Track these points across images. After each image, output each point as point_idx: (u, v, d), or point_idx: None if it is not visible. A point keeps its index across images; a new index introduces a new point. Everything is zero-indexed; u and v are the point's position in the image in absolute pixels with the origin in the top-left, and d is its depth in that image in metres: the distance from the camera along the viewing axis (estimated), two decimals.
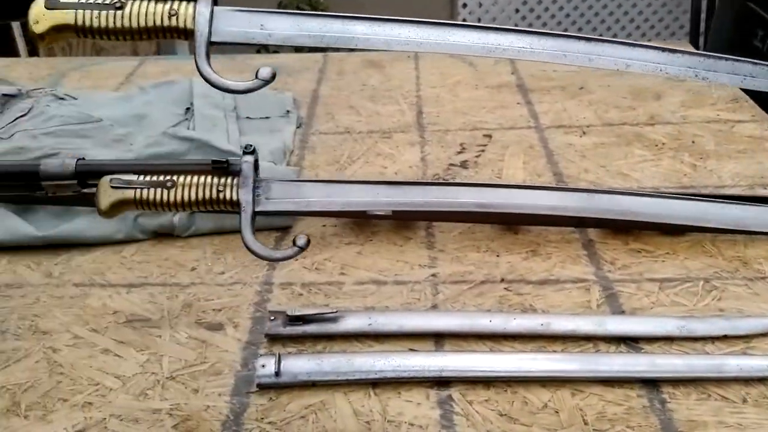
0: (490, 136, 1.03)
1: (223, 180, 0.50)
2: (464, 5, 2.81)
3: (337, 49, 1.52)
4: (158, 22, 0.47)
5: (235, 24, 0.48)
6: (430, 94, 1.18)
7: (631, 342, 0.65)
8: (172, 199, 0.50)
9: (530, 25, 2.86)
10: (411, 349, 0.65)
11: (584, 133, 1.03)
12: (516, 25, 2.85)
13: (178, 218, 0.82)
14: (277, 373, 0.61)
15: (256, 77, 0.46)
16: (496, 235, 0.80)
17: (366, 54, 1.31)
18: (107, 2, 0.47)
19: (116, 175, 0.50)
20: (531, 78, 1.22)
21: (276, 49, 2.69)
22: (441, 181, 0.47)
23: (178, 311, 0.71)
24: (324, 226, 0.82)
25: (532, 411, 0.58)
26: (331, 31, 0.47)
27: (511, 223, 0.72)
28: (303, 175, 0.95)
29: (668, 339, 0.65)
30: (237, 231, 0.82)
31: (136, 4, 0.48)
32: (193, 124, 1.03)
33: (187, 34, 0.48)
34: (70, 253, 0.81)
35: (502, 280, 0.74)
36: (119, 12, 0.47)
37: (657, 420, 0.57)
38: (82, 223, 0.83)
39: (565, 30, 2.87)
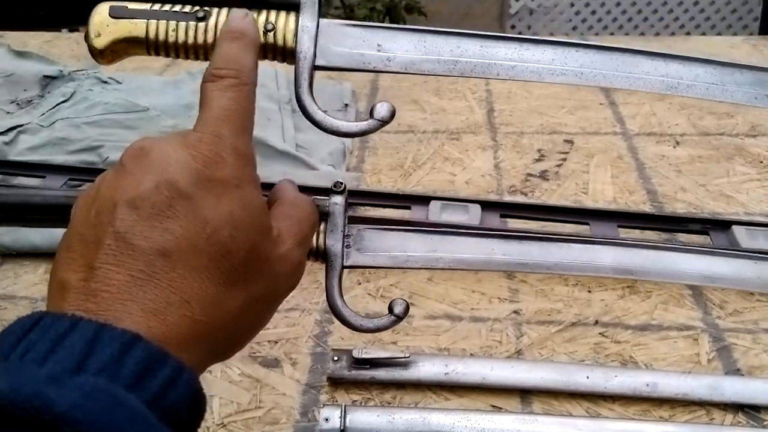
0: (571, 142, 0.92)
1: None
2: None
3: None
4: None
5: (346, 43, 0.36)
6: (501, 89, 1.07)
7: (750, 411, 0.56)
8: None
9: (584, 21, 2.66)
10: (493, 406, 0.57)
11: (678, 143, 0.92)
12: (570, 20, 2.66)
13: None
14: (343, 430, 0.53)
15: (371, 116, 0.36)
16: None
17: None
18: (186, 10, 0.37)
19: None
20: None
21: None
22: (569, 238, 0.38)
23: None
24: None
25: None
26: (465, 55, 0.37)
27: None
28: (364, 181, 0.86)
29: None
30: None
31: (223, 14, 0.37)
32: None
33: (286, 54, 0.37)
34: None
35: (596, 323, 0.64)
36: (201, 24, 0.36)
37: None
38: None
39: (620, 27, 2.66)
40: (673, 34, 2.62)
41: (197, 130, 0.31)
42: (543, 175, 0.86)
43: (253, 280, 0.30)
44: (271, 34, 0.37)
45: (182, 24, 0.37)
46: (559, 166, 0.88)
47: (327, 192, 0.39)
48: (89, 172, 0.82)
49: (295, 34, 0.37)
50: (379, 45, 0.37)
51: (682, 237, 0.75)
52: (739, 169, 0.86)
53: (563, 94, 1.05)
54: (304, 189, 0.80)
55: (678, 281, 0.54)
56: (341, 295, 0.39)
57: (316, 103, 0.37)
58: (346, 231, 0.39)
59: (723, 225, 0.73)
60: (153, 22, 0.37)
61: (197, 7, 0.37)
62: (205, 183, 0.29)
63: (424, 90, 1.08)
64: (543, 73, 0.37)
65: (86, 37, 0.37)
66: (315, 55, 0.37)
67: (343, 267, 0.39)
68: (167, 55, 0.37)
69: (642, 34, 2.64)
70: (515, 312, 0.66)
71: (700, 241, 0.74)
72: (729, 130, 0.94)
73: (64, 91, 1.00)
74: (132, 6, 0.37)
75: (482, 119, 0.99)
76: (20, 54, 1.10)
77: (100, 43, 0.36)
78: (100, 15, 0.36)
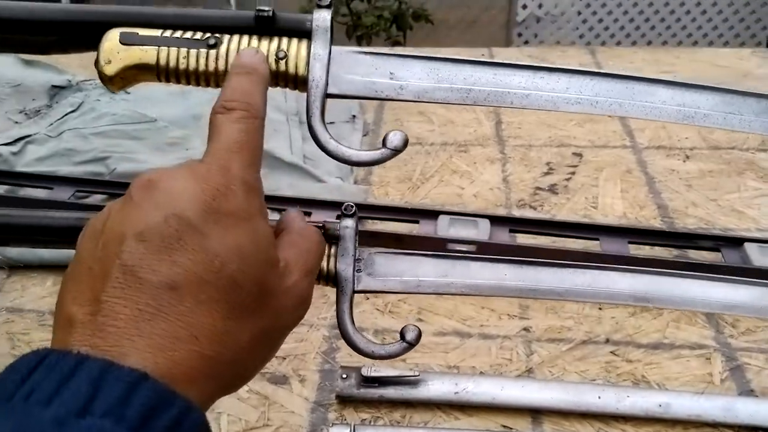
0: (580, 156, 0.92)
1: None
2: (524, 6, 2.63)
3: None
4: None
5: (358, 71, 0.36)
6: None
7: None
8: None
9: (591, 30, 2.65)
10: (504, 426, 0.56)
11: (688, 157, 0.91)
12: (577, 29, 2.65)
13: None
14: None
15: (384, 146, 0.36)
16: None
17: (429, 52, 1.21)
18: (197, 37, 0.36)
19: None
20: None
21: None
22: (583, 264, 0.37)
23: None
24: None
25: None
26: (478, 84, 0.36)
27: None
28: (371, 194, 0.86)
29: None
30: None
31: (234, 41, 0.36)
32: None
33: (298, 82, 0.37)
34: None
35: (608, 341, 0.64)
36: (212, 51, 0.36)
37: None
38: None
39: (628, 36, 2.66)
40: (680, 43, 2.61)
41: (206, 161, 0.30)
42: (552, 189, 0.85)
43: (261, 313, 0.29)
44: (283, 62, 0.36)
45: (193, 51, 0.36)
46: (568, 179, 0.87)
47: (335, 206, 0.39)
48: (96, 184, 0.82)
49: (307, 62, 0.36)
50: (391, 73, 0.37)
51: (693, 253, 0.74)
52: (750, 183, 0.85)
53: None
54: (314, 204, 0.79)
55: (694, 309, 0.54)
56: (352, 321, 0.38)
57: (328, 132, 0.36)
58: (357, 255, 0.38)
59: (735, 242, 0.73)
60: (164, 49, 0.36)
61: (208, 34, 0.37)
62: (213, 216, 0.28)
63: None
64: (557, 102, 0.36)
65: (96, 64, 0.36)
66: (327, 83, 0.36)
67: (354, 292, 0.38)
68: (178, 82, 0.37)
69: (649, 43, 2.63)
70: (525, 329, 0.65)
71: (712, 258, 0.73)
72: (740, 144, 0.93)
73: (72, 101, 1.00)
74: (143, 33, 0.36)
75: (490, 132, 0.99)
76: (29, 63, 1.10)
77: (110, 69, 0.36)
78: (110, 42, 0.36)
